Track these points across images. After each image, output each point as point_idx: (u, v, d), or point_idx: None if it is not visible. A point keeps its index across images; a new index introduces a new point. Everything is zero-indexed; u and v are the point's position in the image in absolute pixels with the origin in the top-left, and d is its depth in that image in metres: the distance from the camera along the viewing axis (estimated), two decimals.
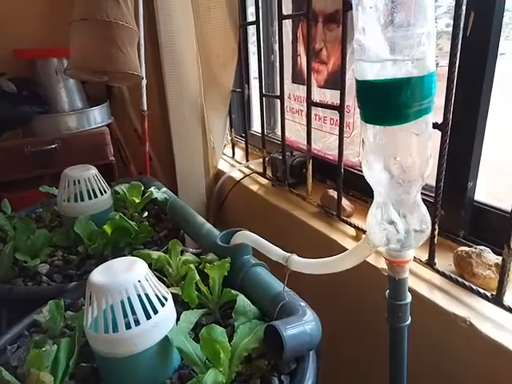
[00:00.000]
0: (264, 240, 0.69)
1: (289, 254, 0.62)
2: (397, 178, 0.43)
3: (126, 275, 0.56)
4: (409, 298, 0.52)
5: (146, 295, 0.56)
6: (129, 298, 0.55)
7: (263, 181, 1.32)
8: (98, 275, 0.57)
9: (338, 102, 0.93)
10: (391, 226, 0.46)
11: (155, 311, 0.56)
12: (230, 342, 0.59)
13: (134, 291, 0.55)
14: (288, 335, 0.56)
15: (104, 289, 0.54)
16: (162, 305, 0.58)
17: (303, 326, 0.59)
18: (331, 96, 1.12)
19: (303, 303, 0.64)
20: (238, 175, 1.41)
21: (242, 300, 0.66)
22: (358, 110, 1.06)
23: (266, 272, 0.74)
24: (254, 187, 1.30)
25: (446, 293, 0.70)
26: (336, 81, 1.10)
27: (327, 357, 0.63)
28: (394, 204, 0.45)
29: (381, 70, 0.39)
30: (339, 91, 1.07)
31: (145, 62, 1.40)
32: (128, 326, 0.54)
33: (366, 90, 0.42)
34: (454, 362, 0.68)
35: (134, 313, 0.55)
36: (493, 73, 0.72)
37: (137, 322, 0.55)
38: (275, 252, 0.64)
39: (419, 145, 0.42)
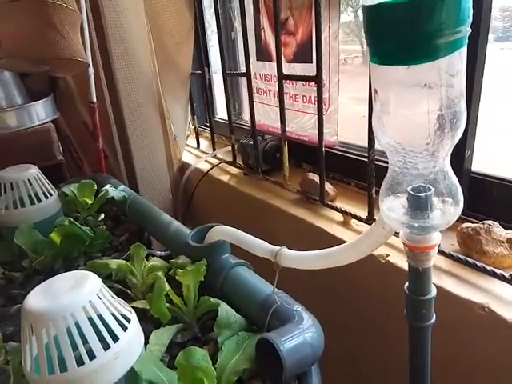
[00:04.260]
0: (245, 234, 0.58)
1: (278, 248, 0.51)
2: (423, 136, 0.33)
3: (72, 295, 0.43)
4: (434, 291, 0.42)
5: (101, 318, 0.44)
6: (77, 324, 0.42)
7: (234, 170, 1.20)
8: (35, 299, 0.43)
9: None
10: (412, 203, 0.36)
11: (115, 338, 0.44)
12: (214, 363, 0.48)
13: (83, 315, 0.42)
14: (286, 349, 0.45)
15: (43, 316, 0.41)
16: (124, 328, 0.45)
17: (302, 334, 0.48)
18: (302, 70, 1.02)
19: (298, 306, 0.53)
20: (205, 166, 1.28)
21: (225, 310, 0.54)
22: (333, 83, 0.96)
23: (250, 272, 0.63)
24: (225, 178, 1.18)
25: (456, 277, 0.62)
26: (306, 53, 0.99)
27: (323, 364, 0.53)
28: (415, 174, 0.35)
29: None
30: (311, 64, 0.98)
31: (91, 48, 1.24)
32: (80, 362, 0.42)
33: (381, 17, 0.31)
34: (474, 356, 0.59)
35: (86, 342, 0.43)
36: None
37: (91, 355, 0.42)
38: (260, 247, 0.53)
39: (454, 90, 0.32)
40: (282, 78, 0.90)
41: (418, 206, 0.36)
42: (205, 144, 1.48)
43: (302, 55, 1.01)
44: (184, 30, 1.16)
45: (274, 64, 1.12)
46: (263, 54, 1.14)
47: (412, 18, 0.29)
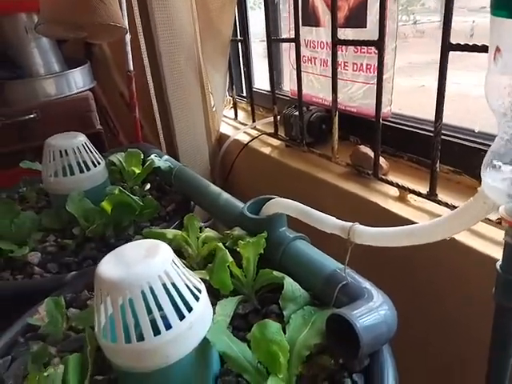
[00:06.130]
0: (310, 208, 0.55)
1: (350, 224, 0.49)
2: None
3: (147, 264, 0.42)
4: None
5: (176, 289, 0.43)
6: (154, 294, 0.41)
7: (275, 142, 1.17)
8: (109, 267, 0.43)
9: None
10: None
11: (189, 308, 0.43)
12: None
13: (159, 284, 0.42)
14: (363, 327, 0.43)
15: (120, 285, 0.41)
16: (197, 299, 0.44)
17: (377, 311, 0.46)
18: (354, 36, 0.96)
19: (367, 283, 0.51)
20: (244, 138, 1.25)
21: (290, 284, 0.53)
22: (389, 49, 0.91)
23: (310, 246, 0.61)
24: (266, 150, 1.15)
25: None
26: (360, 17, 0.93)
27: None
28: None
29: None
30: (364, 29, 0.92)
31: (131, 14, 1.21)
32: (156, 332, 0.41)
33: None
34: None
35: (160, 309, 0.42)
36: None
37: (167, 325, 0.42)
38: (330, 222, 0.51)
39: None
40: (336, 43, 0.85)
41: None
42: (241, 115, 1.44)
43: (354, 19, 0.95)
44: None
45: (322, 29, 1.07)
46: (310, 19, 1.09)
47: None
